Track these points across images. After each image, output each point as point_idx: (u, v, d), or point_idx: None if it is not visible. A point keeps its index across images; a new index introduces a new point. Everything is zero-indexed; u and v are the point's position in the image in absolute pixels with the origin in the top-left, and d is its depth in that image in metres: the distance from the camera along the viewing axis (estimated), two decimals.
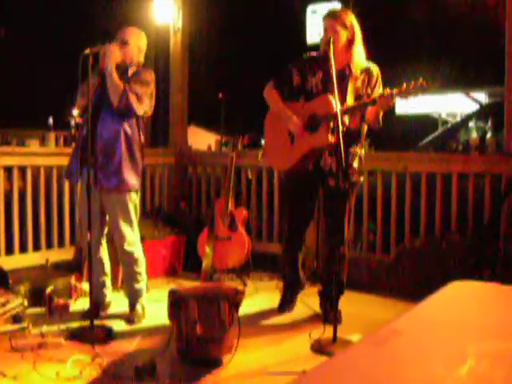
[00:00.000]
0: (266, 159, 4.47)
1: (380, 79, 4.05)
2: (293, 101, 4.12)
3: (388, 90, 3.68)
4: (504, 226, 4.54)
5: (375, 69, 4.06)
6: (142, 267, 4.17)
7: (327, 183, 4.05)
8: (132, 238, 4.11)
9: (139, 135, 4.06)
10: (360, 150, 4.09)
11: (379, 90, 3.99)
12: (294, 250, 4.38)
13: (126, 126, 3.98)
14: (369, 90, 4.00)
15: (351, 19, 3.97)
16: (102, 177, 3.94)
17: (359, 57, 3.99)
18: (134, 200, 4.09)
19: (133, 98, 3.89)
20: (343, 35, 3.92)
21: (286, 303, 4.42)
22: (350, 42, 3.95)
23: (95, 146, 3.90)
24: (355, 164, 4.06)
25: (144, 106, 3.98)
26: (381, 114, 3.88)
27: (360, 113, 3.96)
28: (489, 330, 1.33)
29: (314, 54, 4.15)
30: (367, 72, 4.02)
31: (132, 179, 4.03)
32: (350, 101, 3.92)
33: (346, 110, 3.85)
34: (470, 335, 1.28)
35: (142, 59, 4.18)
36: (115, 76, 3.90)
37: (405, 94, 3.62)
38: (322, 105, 3.90)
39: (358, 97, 3.97)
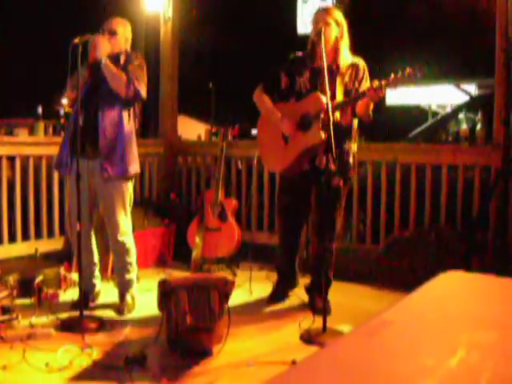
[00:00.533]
0: (263, 162, 4.48)
1: (367, 72, 4.08)
2: (283, 102, 4.13)
3: (376, 82, 3.70)
4: (493, 216, 4.56)
5: (361, 62, 4.08)
6: (133, 257, 4.17)
7: (322, 180, 4.05)
8: (125, 228, 4.11)
9: (135, 122, 4.09)
10: (354, 146, 4.11)
11: (367, 83, 4.01)
12: (290, 249, 4.40)
13: (125, 114, 3.99)
14: (356, 84, 4.01)
15: (341, 17, 4.03)
16: (108, 165, 3.94)
17: (346, 54, 4.03)
18: (130, 189, 4.11)
19: (137, 84, 3.91)
20: (334, 29, 3.95)
21: (278, 296, 4.42)
22: (339, 40, 3.99)
23: (97, 136, 3.91)
24: (350, 160, 4.08)
25: (145, 90, 4.01)
26: (371, 107, 3.89)
27: (351, 108, 3.97)
28: (479, 321, 1.33)
29: (299, 53, 4.18)
30: (353, 67, 4.04)
31: (136, 165, 4.09)
32: (339, 96, 3.94)
33: (337, 104, 3.86)
34: (460, 326, 1.29)
35: (128, 48, 4.18)
36: (113, 67, 3.90)
37: (393, 84, 3.65)
38: (313, 103, 3.92)
39: (346, 92, 3.98)
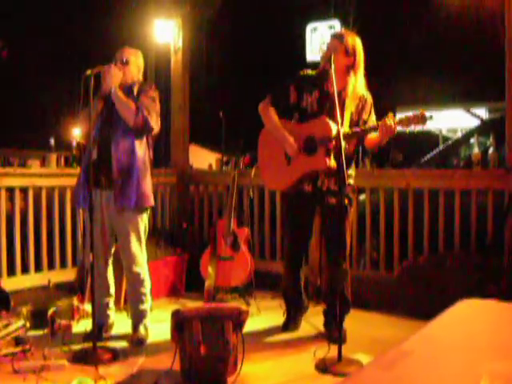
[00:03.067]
0: (261, 177, 4.47)
1: (372, 108, 4.09)
2: (287, 117, 4.12)
3: (390, 119, 3.70)
4: (508, 241, 4.51)
5: (369, 96, 4.09)
6: (147, 288, 4.16)
7: (326, 201, 4.05)
8: (141, 258, 4.10)
9: (149, 153, 4.08)
10: (353, 172, 4.13)
11: (372, 117, 4.02)
12: (295, 270, 4.37)
13: (138, 145, 4.00)
14: (365, 116, 4.01)
15: (356, 44, 3.96)
16: (122, 197, 3.94)
17: (358, 83, 3.98)
18: (144, 220, 4.11)
19: (147, 113, 3.92)
20: (342, 58, 3.91)
21: (290, 322, 4.39)
22: (350, 68, 3.95)
23: (111, 167, 3.92)
24: (350, 181, 4.09)
25: (154, 122, 4.00)
26: (383, 142, 3.87)
27: (355, 139, 3.97)
28: (501, 349, 1.30)
29: (310, 72, 4.15)
30: (362, 99, 4.04)
31: (150, 197, 4.07)
32: (346, 125, 3.92)
33: (347, 135, 3.84)
34: (481, 355, 1.26)
35: (141, 77, 4.21)
36: (123, 96, 3.92)
37: (405, 124, 3.66)
38: (320, 128, 3.91)
39: (351, 122, 3.97)
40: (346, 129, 3.90)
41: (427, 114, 3.61)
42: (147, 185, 4.05)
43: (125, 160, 3.95)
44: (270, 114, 4.14)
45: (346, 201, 4.01)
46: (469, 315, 1.59)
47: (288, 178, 4.07)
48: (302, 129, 4.02)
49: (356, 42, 3.98)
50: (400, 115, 3.76)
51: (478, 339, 1.37)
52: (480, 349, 1.31)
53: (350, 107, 3.98)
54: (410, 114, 3.65)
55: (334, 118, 3.73)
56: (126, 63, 4.04)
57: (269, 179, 4.35)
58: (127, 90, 4.02)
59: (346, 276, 4.09)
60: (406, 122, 3.66)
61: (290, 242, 4.35)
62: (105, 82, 3.93)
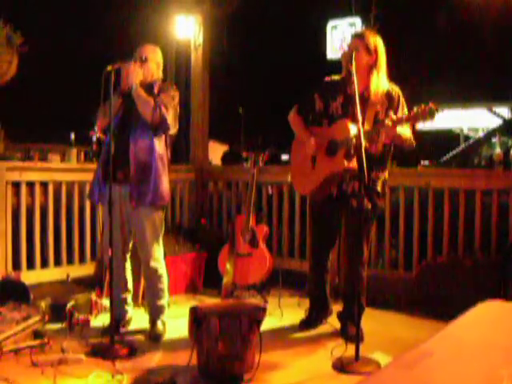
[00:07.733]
0: (292, 183, 4.50)
1: (402, 99, 4.03)
2: (316, 125, 4.15)
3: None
4: None
5: (395, 89, 4.04)
6: (164, 284, 4.17)
7: (350, 204, 4.02)
8: (158, 254, 4.11)
9: (166, 151, 4.08)
10: (383, 175, 4.07)
11: (404, 110, 3.97)
12: (321, 271, 4.37)
13: (157, 142, 4.00)
14: (390, 113, 3.95)
15: (376, 43, 3.96)
16: (138, 193, 3.95)
17: (381, 81, 3.97)
18: (161, 216, 4.12)
19: (165, 111, 3.92)
20: (364, 57, 3.92)
21: (310, 322, 4.37)
22: (372, 67, 3.95)
23: (129, 163, 3.93)
24: (378, 188, 4.04)
25: (172, 120, 4.00)
26: (405, 136, 3.86)
27: (377, 138, 3.93)
28: None
29: (335, 77, 4.16)
30: (387, 95, 3.99)
31: (166, 194, 4.07)
32: (367, 125, 3.89)
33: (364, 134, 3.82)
34: (503, 357, 1.24)
35: (161, 74, 4.21)
36: (143, 93, 3.93)
37: (413, 120, 3.63)
38: (340, 130, 3.94)
39: (377, 121, 3.93)
40: (366, 127, 3.87)
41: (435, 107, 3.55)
42: (164, 184, 4.05)
43: (143, 157, 3.96)
44: (296, 122, 4.22)
45: (370, 205, 3.98)
46: (490, 317, 1.57)
47: (313, 182, 4.09)
48: (327, 133, 4.04)
49: (377, 40, 3.98)
50: None
51: (499, 341, 1.35)
52: (501, 351, 1.29)
53: (376, 105, 3.95)
54: (419, 107, 3.58)
55: (356, 119, 3.71)
56: (145, 60, 4.04)
57: (297, 184, 4.40)
58: (148, 88, 4.03)
59: (361, 283, 4.08)
60: (414, 117, 3.62)
61: (316, 245, 4.37)
62: (125, 79, 3.94)
